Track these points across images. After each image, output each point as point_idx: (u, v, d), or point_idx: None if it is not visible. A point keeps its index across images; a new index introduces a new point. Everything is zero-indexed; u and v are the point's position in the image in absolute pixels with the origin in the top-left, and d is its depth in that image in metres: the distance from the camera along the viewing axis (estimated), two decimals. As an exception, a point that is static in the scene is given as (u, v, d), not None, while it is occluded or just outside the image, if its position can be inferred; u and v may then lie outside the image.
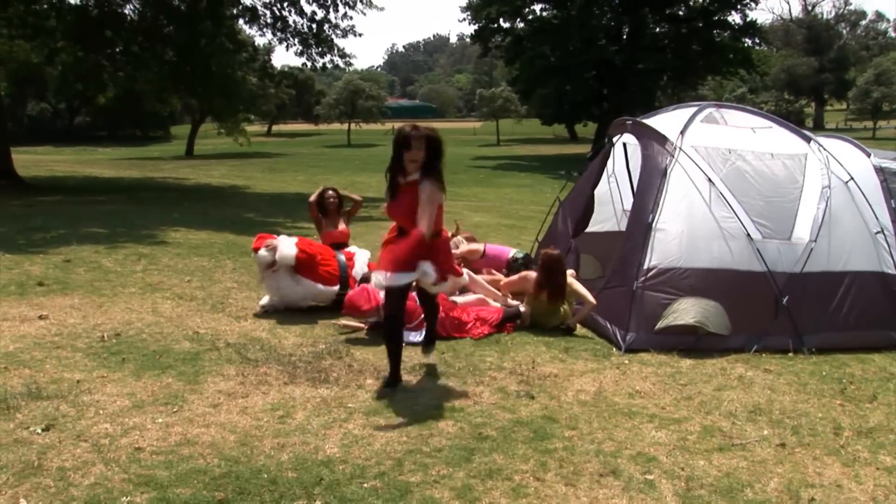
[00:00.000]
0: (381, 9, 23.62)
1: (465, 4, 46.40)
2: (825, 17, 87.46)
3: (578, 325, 7.26)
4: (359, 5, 22.87)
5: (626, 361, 6.21)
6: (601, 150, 8.88)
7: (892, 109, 71.14)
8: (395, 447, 4.38)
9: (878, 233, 7.05)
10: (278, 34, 23.40)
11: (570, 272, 7.44)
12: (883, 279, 6.99)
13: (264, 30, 23.64)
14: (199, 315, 7.24)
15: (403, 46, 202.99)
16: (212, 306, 7.58)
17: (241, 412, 4.84)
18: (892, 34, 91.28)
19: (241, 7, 23.06)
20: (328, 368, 5.74)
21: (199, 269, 9.33)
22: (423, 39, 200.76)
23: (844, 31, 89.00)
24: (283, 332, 6.75)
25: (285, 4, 22.94)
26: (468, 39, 56.94)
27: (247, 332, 6.70)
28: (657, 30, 46.23)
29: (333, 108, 66.27)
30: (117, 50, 21.59)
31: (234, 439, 4.41)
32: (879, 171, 7.39)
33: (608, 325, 6.86)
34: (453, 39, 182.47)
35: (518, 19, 46.16)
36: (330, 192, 8.96)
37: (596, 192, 8.84)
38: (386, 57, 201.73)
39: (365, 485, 3.91)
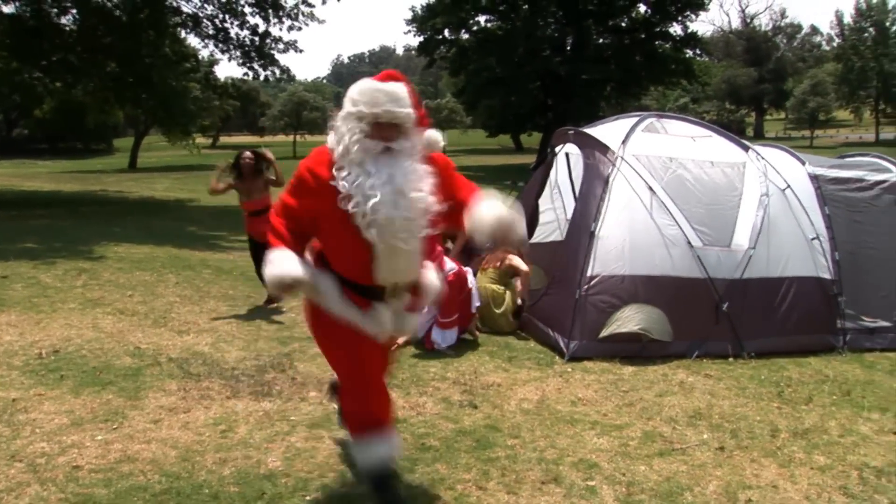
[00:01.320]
0: (322, 21, 23.67)
1: (410, 17, 46.49)
2: (763, 29, 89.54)
3: (522, 335, 7.31)
4: (301, 17, 22.83)
5: (569, 369, 6.25)
6: (544, 160, 8.93)
7: (828, 119, 73.16)
8: (338, 459, 4.36)
9: (813, 239, 7.20)
10: (220, 45, 23.27)
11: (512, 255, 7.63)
12: (819, 284, 7.14)
13: (206, 41, 23.50)
14: (141, 330, 7.13)
15: (349, 58, 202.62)
16: (154, 321, 7.48)
17: (183, 427, 4.78)
18: (826, 47, 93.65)
19: (183, 16, 22.84)
20: (271, 382, 5.70)
21: (142, 284, 9.20)
22: (369, 51, 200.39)
23: (782, 44, 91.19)
24: (226, 346, 6.68)
25: (227, 16, 22.82)
26: (414, 51, 56.91)
27: (189, 347, 6.62)
28: (601, 41, 46.70)
29: (278, 120, 65.98)
30: (53, 60, 21.13)
31: (176, 455, 4.36)
32: (814, 178, 7.56)
33: (551, 333, 6.90)
34: (399, 51, 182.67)
35: (463, 31, 46.32)
36: (247, 153, 8.33)
37: (539, 202, 8.91)
38: (331, 68, 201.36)
39: (307, 497, 3.89)
